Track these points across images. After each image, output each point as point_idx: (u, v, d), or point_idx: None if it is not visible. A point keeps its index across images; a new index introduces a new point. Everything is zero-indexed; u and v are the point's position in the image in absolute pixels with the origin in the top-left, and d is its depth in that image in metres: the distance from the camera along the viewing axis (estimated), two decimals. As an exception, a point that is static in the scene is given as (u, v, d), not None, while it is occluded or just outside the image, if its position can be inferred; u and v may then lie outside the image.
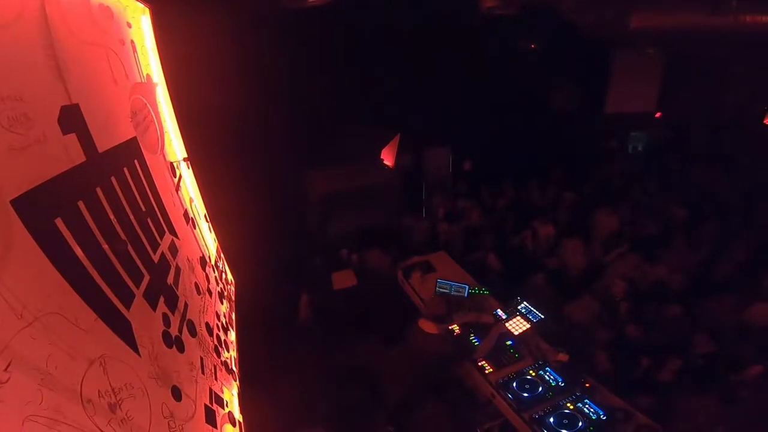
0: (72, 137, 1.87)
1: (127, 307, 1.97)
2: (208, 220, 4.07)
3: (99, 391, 1.51)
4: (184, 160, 3.61)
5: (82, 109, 1.97)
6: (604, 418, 3.64)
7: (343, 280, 5.83)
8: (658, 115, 10.23)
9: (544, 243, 6.61)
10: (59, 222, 1.66)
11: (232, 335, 3.68)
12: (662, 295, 5.51)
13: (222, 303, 3.65)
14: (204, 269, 3.41)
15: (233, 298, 4.20)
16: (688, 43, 7.16)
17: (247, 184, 5.16)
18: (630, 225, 7.07)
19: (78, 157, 1.90)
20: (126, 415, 1.64)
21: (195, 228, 3.51)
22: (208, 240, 3.91)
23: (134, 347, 1.90)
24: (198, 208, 3.82)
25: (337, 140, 6.58)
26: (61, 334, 1.46)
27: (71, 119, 1.86)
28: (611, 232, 6.82)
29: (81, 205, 1.84)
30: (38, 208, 1.53)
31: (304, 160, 6.93)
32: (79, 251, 1.73)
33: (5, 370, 1.19)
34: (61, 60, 1.84)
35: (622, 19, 6.09)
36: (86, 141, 1.98)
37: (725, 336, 4.65)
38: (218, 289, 3.69)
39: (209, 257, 3.71)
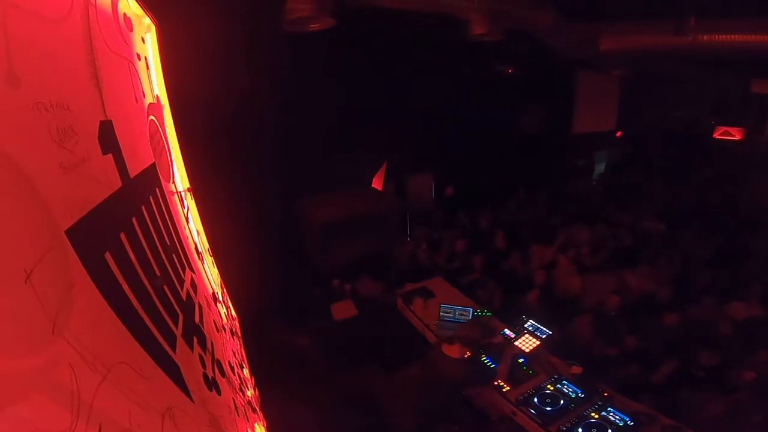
0: (109, 158, 1.64)
1: (173, 349, 1.72)
2: (211, 254, 3.77)
3: (179, 449, 1.27)
4: (188, 190, 3.35)
5: (114, 127, 1.74)
6: (631, 423, 3.63)
7: (343, 311, 5.59)
8: (618, 134, 10.83)
9: (538, 265, 6.63)
10: (108, 256, 1.42)
11: (246, 372, 3.37)
12: (653, 307, 5.66)
13: (234, 339, 3.35)
14: (216, 305, 3.12)
15: (239, 333, 3.88)
16: (651, 63, 7.68)
17: (246, 214, 4.88)
18: (606, 239, 7.30)
19: (115, 181, 1.66)
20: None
21: (204, 263, 3.23)
22: (213, 275, 3.61)
23: (187, 393, 1.64)
24: (202, 241, 3.54)
25: (335, 167, 6.45)
26: (132, 386, 1.23)
27: (108, 137, 1.63)
28: (588, 245, 7.01)
29: (122, 236, 1.60)
30: (90, 240, 1.29)
31: (301, 188, 6.73)
32: (127, 289, 1.48)
33: (97, 436, 0.96)
34: (98, 68, 1.61)
35: (593, 42, 6.46)
36: (120, 164, 1.74)
37: (722, 343, 4.80)
38: (228, 325, 3.38)
39: (218, 293, 3.42)
